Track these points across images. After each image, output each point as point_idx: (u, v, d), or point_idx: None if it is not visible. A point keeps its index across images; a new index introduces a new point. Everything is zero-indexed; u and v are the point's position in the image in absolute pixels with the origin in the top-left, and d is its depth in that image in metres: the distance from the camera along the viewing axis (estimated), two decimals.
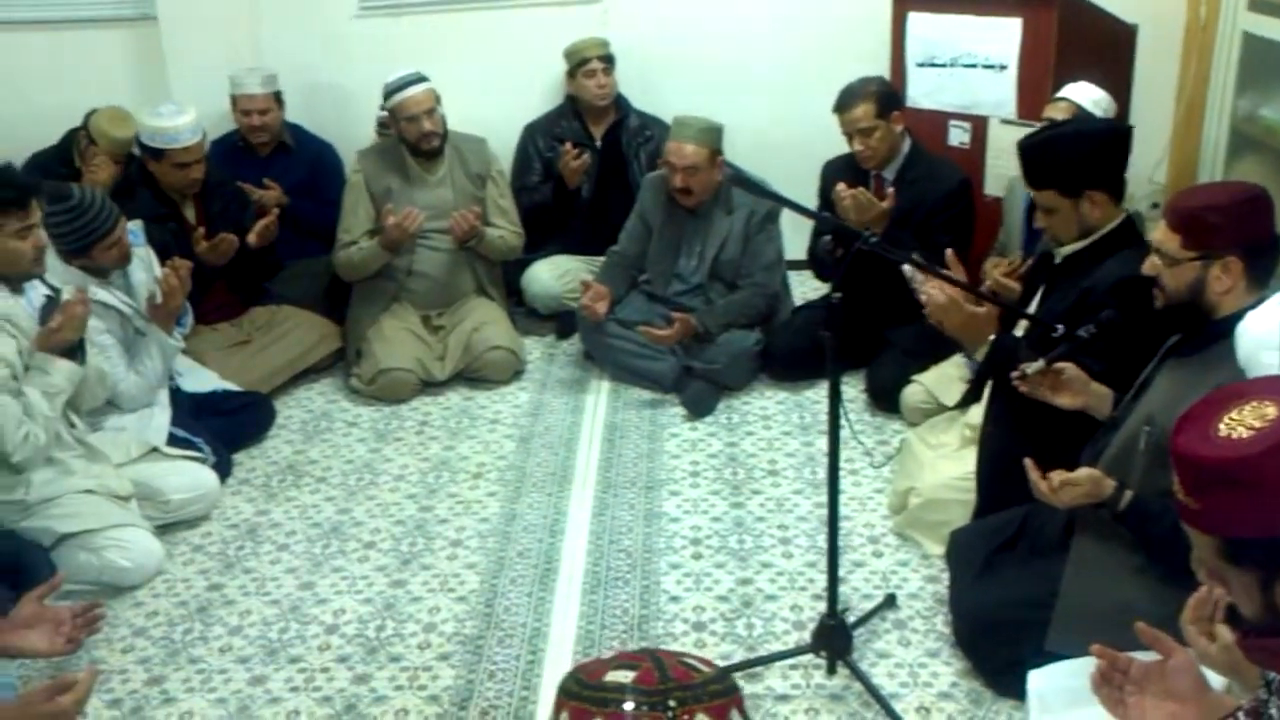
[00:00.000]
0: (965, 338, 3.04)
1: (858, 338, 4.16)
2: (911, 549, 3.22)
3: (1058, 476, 2.46)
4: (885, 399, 3.97)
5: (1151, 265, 2.50)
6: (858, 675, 2.65)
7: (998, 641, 2.64)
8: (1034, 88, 4.04)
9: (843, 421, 2.62)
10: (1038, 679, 2.39)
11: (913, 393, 3.82)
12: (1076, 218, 2.93)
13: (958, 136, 4.39)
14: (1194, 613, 2.03)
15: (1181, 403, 2.43)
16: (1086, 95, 3.68)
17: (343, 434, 4.03)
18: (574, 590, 3.11)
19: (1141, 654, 1.92)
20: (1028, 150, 2.96)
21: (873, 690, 2.62)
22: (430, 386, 4.30)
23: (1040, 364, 2.68)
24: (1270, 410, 1.44)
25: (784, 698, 2.65)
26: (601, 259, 4.63)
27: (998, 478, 3.08)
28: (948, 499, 3.17)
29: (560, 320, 4.76)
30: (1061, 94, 3.74)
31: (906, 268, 2.86)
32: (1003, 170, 4.18)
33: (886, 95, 3.97)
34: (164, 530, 3.35)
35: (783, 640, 2.85)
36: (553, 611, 3.02)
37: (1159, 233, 2.47)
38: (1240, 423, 1.46)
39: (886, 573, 3.13)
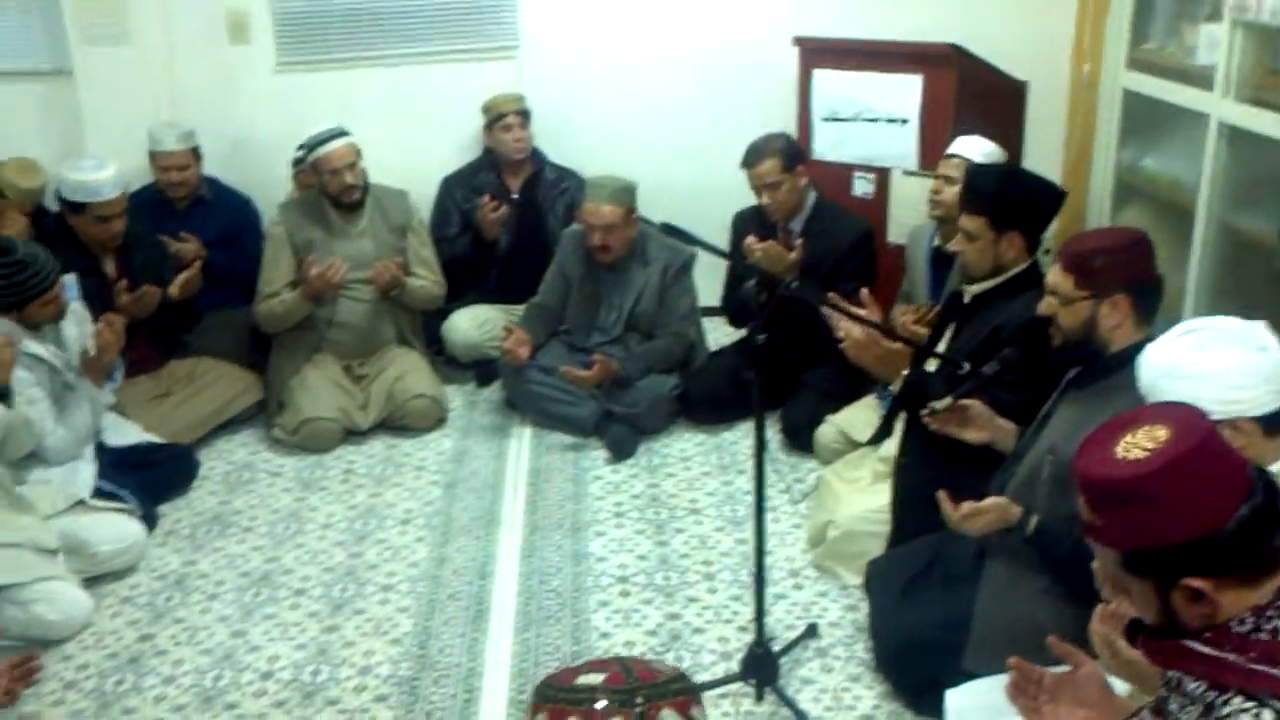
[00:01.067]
0: (881, 372, 3.21)
1: (773, 380, 4.31)
2: (830, 581, 3.35)
3: (967, 506, 2.61)
4: (800, 438, 4.11)
5: (1048, 305, 2.68)
6: (785, 701, 2.77)
7: (916, 663, 2.78)
8: (934, 140, 4.26)
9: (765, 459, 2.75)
10: (955, 697, 2.52)
11: (826, 432, 3.97)
12: (993, 252, 3.12)
13: (861, 187, 4.59)
14: (1099, 625, 2.20)
15: (1080, 432, 2.59)
16: (977, 149, 3.88)
17: (267, 484, 4.05)
18: (506, 630, 3.18)
19: (1054, 669, 2.07)
20: (977, 176, 3.18)
21: (800, 715, 2.74)
22: (353, 435, 4.34)
23: (948, 401, 2.85)
24: (1161, 433, 1.59)
25: None
26: (519, 307, 4.72)
27: (911, 509, 3.23)
28: (864, 530, 3.31)
29: (480, 368, 4.84)
30: (953, 150, 3.93)
31: (825, 309, 3.02)
32: (905, 219, 4.39)
33: (791, 150, 4.16)
34: (91, 582, 3.34)
35: (711, 671, 2.95)
36: (486, 651, 3.08)
37: (1053, 275, 2.66)
38: (1135, 445, 1.60)
39: (807, 604, 3.25)
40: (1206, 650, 1.55)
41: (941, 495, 2.67)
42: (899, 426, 3.46)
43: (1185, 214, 4.25)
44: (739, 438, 4.28)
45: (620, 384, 4.21)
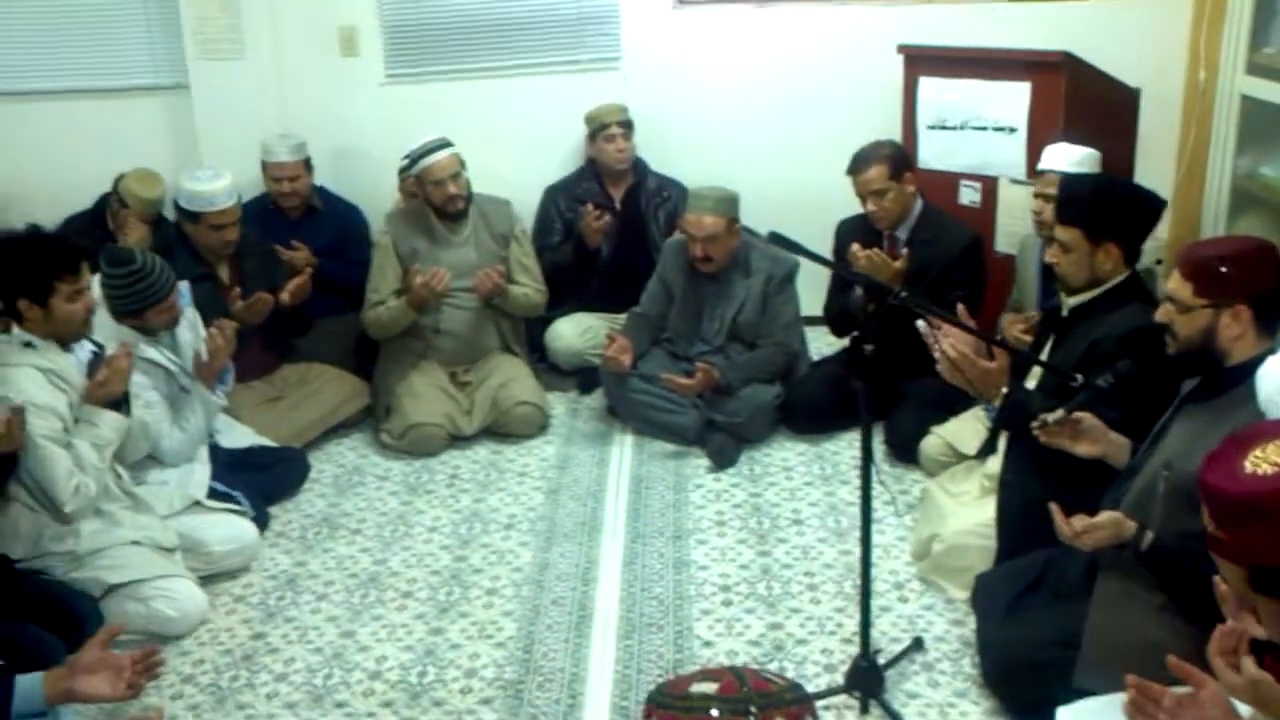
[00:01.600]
0: (978, 392, 3.16)
1: (877, 390, 4.25)
2: (935, 594, 3.31)
3: (1079, 521, 2.56)
4: (904, 450, 4.07)
5: (1165, 313, 2.62)
6: (891, 715, 2.74)
7: (1025, 680, 2.73)
8: (1043, 149, 4.18)
9: (872, 469, 2.73)
10: (1067, 715, 2.47)
11: (931, 444, 3.92)
12: (1089, 264, 3.07)
13: (969, 196, 4.54)
14: (1219, 645, 2.13)
15: (1198, 447, 2.55)
16: (1066, 157, 3.80)
17: (375, 487, 4.13)
18: (609, 636, 3.19)
19: (1174, 688, 2.01)
20: (1070, 186, 3.12)
21: None
22: (458, 441, 4.40)
23: (1060, 413, 2.79)
24: None
25: None
26: (621, 316, 4.76)
27: (1018, 524, 3.18)
28: (970, 545, 3.26)
29: (582, 376, 4.88)
30: (1043, 163, 3.85)
31: (920, 324, 2.98)
32: (1014, 228, 4.33)
33: (898, 158, 4.13)
34: (206, 581, 3.44)
35: (814, 682, 2.92)
36: (590, 657, 3.10)
37: (1172, 282, 2.59)
38: (1265, 460, 1.57)
39: (913, 617, 3.21)
40: None
41: (1054, 508, 2.63)
42: (1003, 442, 3.41)
43: None
44: (841, 448, 4.25)
45: (722, 392, 4.21)
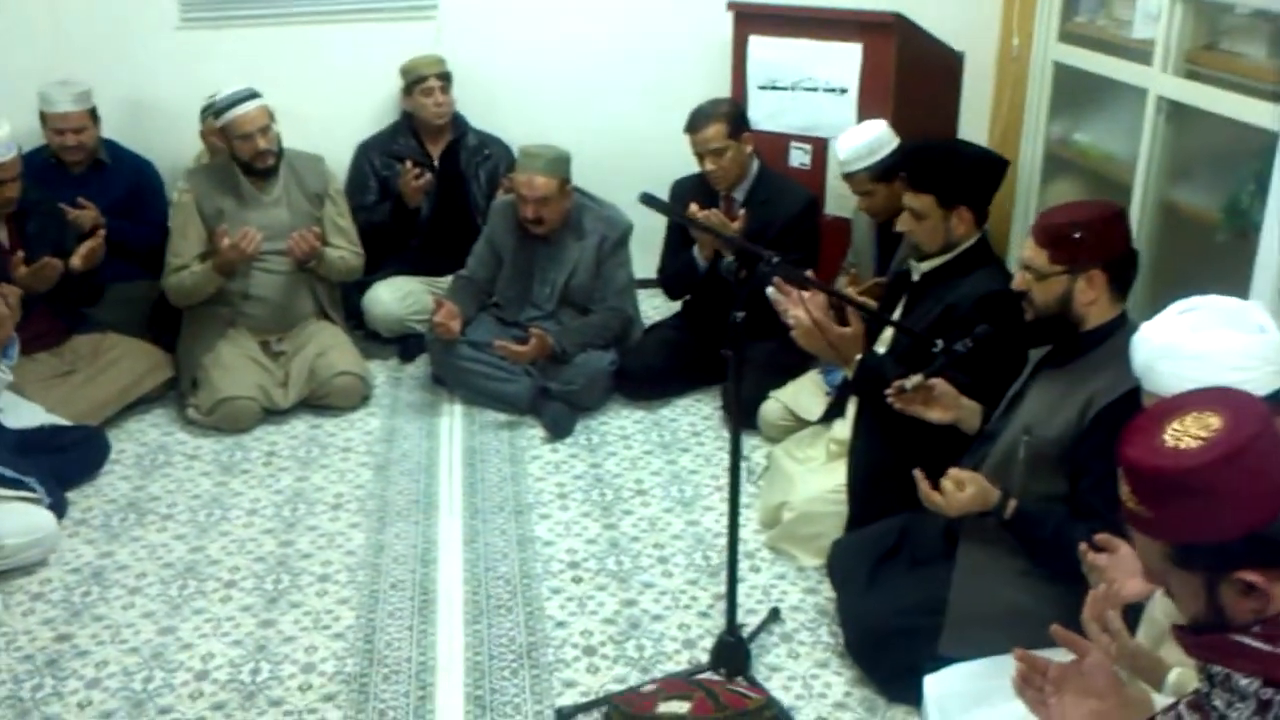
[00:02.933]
0: (833, 358, 3.13)
1: (711, 352, 4.22)
2: (787, 563, 3.27)
3: (949, 481, 2.54)
4: (743, 415, 4.01)
5: (1022, 280, 2.61)
6: (759, 689, 2.68)
7: (890, 649, 2.71)
8: (875, 110, 4.17)
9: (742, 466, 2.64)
10: (935, 684, 2.46)
11: (770, 409, 3.89)
12: (944, 229, 3.07)
13: (798, 158, 4.50)
14: (1093, 610, 2.14)
15: (1057, 412, 2.57)
16: (862, 147, 3.73)
17: (184, 468, 3.81)
18: (455, 620, 3.03)
19: (1044, 652, 2.00)
20: (918, 153, 3.10)
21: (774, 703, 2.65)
22: (273, 415, 4.12)
23: (919, 379, 2.78)
24: (1213, 420, 1.52)
25: None
26: (443, 279, 4.59)
27: (869, 489, 3.17)
28: (820, 512, 3.24)
29: (403, 343, 4.65)
30: (845, 163, 3.77)
31: (770, 290, 2.91)
32: (844, 190, 4.29)
33: (737, 116, 4.06)
34: None
35: (675, 660, 2.85)
36: (437, 644, 2.93)
37: (1027, 249, 2.59)
38: (1185, 433, 1.53)
39: (766, 587, 3.17)
40: (1260, 645, 1.49)
41: (918, 475, 2.60)
42: (851, 406, 3.40)
43: (1118, 188, 4.25)
44: (678, 415, 4.18)
45: (556, 360, 4.07)
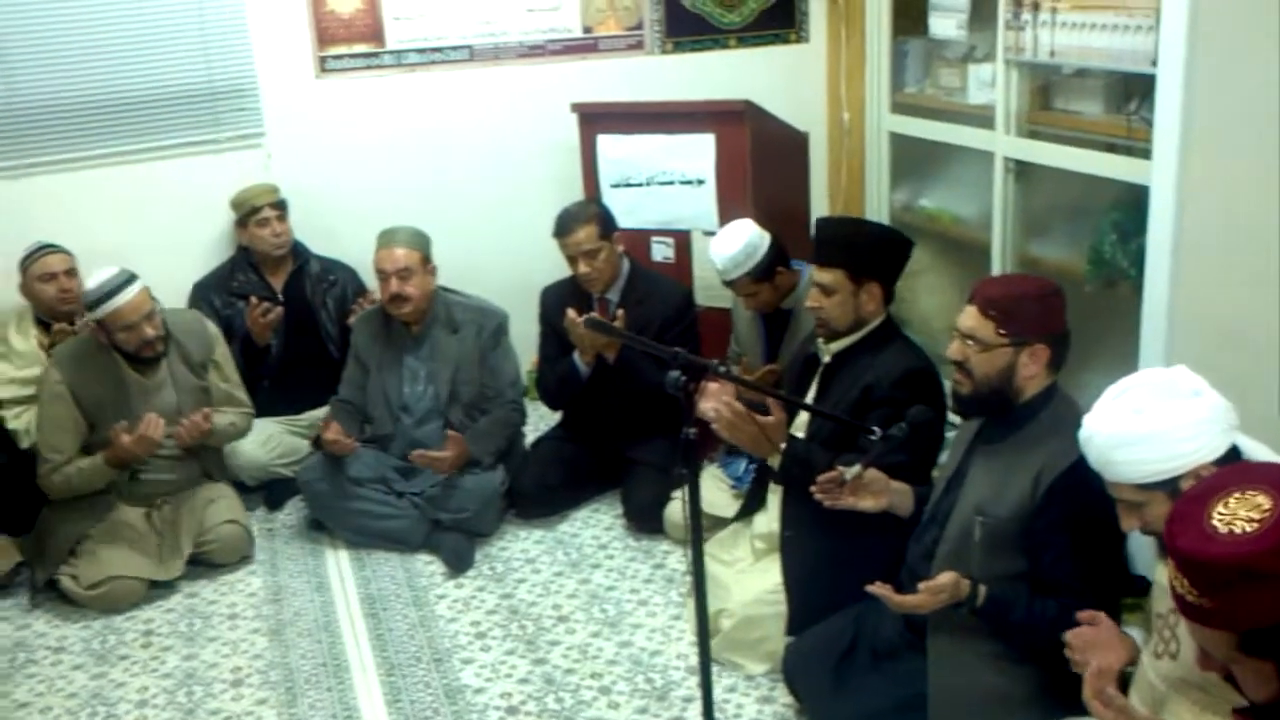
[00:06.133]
0: (757, 449, 3.06)
1: (603, 459, 4.10)
2: (733, 673, 3.14)
3: (924, 587, 2.46)
4: (646, 519, 3.91)
5: (959, 350, 2.57)
6: None
7: None
8: (734, 197, 4.19)
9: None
10: None
11: (676, 510, 3.77)
12: (854, 304, 3.06)
13: (661, 252, 4.46)
14: (1092, 689, 2.11)
15: (1006, 489, 2.55)
16: (737, 252, 3.68)
17: (51, 663, 3.42)
18: None
19: None
20: (829, 227, 3.10)
21: None
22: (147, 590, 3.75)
23: (858, 469, 2.72)
24: (1262, 500, 1.49)
25: None
26: (301, 417, 4.40)
27: (808, 584, 3.10)
28: (761, 614, 3.13)
29: (270, 490, 4.34)
30: (724, 271, 3.72)
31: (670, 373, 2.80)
32: (711, 280, 4.25)
33: (606, 216, 3.99)
34: None
35: None
36: None
37: (969, 319, 2.55)
38: (1235, 516, 1.50)
39: (719, 703, 3.02)
40: None
41: (878, 588, 2.52)
42: (773, 497, 3.32)
43: (974, 247, 4.36)
44: (578, 529, 4.02)
45: (469, 464, 3.88)
